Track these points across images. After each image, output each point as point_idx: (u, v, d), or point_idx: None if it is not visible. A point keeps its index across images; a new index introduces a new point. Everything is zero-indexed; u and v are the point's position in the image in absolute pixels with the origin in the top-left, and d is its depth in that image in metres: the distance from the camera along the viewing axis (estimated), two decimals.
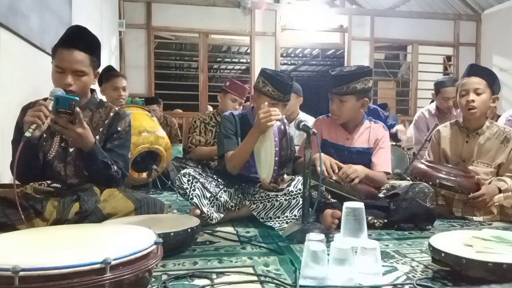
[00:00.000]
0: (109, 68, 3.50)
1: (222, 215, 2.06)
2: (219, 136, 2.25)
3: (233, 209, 2.11)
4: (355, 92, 2.14)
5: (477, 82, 2.31)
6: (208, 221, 1.99)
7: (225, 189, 2.12)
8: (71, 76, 1.71)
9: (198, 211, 1.98)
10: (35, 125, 1.49)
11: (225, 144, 2.13)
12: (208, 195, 2.03)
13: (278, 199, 2.06)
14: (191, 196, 1.98)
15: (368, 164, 2.20)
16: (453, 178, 2.20)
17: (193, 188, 2.00)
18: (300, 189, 2.02)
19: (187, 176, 2.02)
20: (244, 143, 2.04)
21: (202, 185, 2.03)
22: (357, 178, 2.01)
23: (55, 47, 1.76)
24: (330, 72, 2.21)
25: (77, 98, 1.60)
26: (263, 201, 2.08)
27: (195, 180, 2.02)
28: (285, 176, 2.14)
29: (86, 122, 1.75)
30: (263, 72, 2.15)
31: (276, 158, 1.83)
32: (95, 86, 1.97)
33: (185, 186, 1.99)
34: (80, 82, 1.75)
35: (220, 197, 2.06)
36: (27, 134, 1.47)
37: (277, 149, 1.82)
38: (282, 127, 1.88)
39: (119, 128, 1.88)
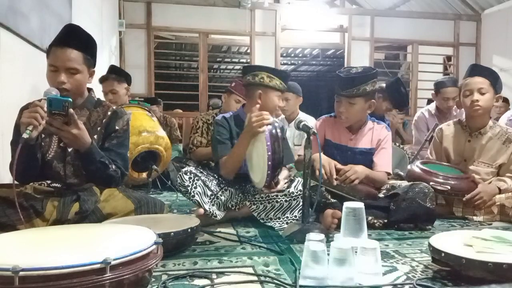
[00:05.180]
0: (109, 69, 3.52)
1: (224, 213, 2.06)
2: (212, 142, 2.24)
3: (233, 208, 2.11)
4: (364, 94, 2.13)
5: (480, 81, 2.31)
6: (213, 218, 1.98)
7: (226, 188, 2.11)
8: (65, 74, 1.71)
9: (201, 210, 1.98)
10: (32, 126, 1.49)
11: (218, 150, 2.12)
12: (209, 193, 2.03)
13: (279, 200, 2.06)
14: (192, 194, 1.97)
15: (370, 164, 2.20)
16: (448, 181, 2.19)
17: (194, 185, 1.99)
18: (300, 190, 2.02)
19: (188, 173, 2.01)
20: (236, 148, 2.04)
21: (203, 182, 2.03)
22: (357, 179, 2.01)
23: (50, 47, 1.76)
24: (339, 74, 2.18)
25: (70, 99, 1.59)
26: (263, 202, 2.08)
27: (197, 177, 2.01)
28: (281, 177, 2.14)
29: (83, 121, 1.74)
30: (262, 67, 2.17)
31: (269, 163, 1.84)
32: (94, 85, 1.97)
33: (186, 184, 1.98)
34: (74, 80, 1.74)
35: (221, 195, 2.05)
36: (25, 135, 1.47)
37: (269, 153, 1.84)
38: (274, 131, 1.89)
39: (117, 127, 1.87)
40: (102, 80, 3.35)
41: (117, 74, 3.39)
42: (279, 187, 2.08)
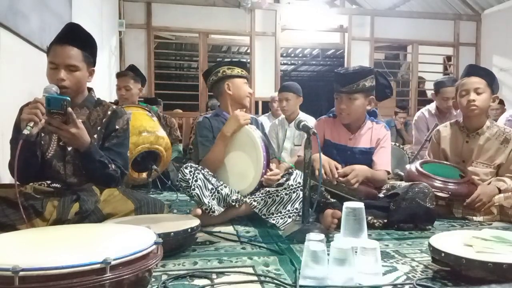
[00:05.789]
0: (128, 67, 3.67)
1: (222, 209, 2.05)
2: (195, 143, 2.35)
3: (234, 204, 2.10)
4: (364, 89, 2.16)
5: (477, 81, 2.31)
6: (210, 214, 1.98)
7: (226, 185, 2.11)
8: (64, 71, 1.72)
9: (199, 211, 1.97)
10: (33, 122, 1.49)
11: (200, 153, 2.23)
12: (210, 186, 2.03)
13: (279, 194, 2.07)
14: (192, 187, 1.96)
15: (370, 163, 2.20)
16: (447, 186, 2.19)
17: (195, 178, 1.98)
18: (299, 183, 2.05)
19: (189, 167, 2.01)
20: (216, 146, 2.14)
21: (204, 176, 2.03)
22: (357, 183, 2.01)
23: (50, 45, 1.77)
24: (339, 71, 2.21)
25: (68, 98, 1.60)
26: (264, 197, 2.09)
27: (197, 171, 2.01)
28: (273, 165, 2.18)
29: (83, 120, 1.74)
30: (219, 64, 2.33)
31: (264, 162, 2.07)
32: (94, 85, 1.97)
33: (187, 177, 1.97)
34: (73, 78, 1.74)
35: (222, 190, 2.05)
36: (26, 131, 1.47)
37: (264, 162, 2.05)
38: (264, 143, 2.10)
39: (117, 127, 1.87)
40: (119, 75, 3.51)
41: (135, 73, 3.54)
42: (273, 173, 2.12)
